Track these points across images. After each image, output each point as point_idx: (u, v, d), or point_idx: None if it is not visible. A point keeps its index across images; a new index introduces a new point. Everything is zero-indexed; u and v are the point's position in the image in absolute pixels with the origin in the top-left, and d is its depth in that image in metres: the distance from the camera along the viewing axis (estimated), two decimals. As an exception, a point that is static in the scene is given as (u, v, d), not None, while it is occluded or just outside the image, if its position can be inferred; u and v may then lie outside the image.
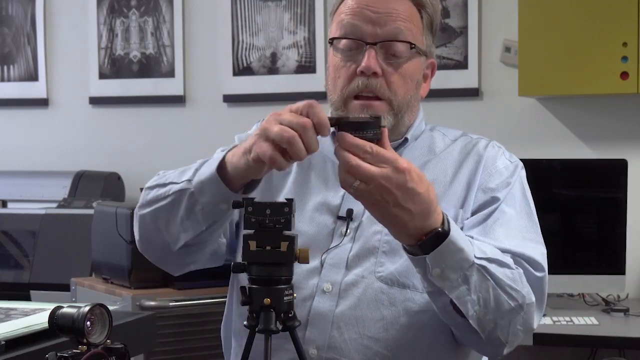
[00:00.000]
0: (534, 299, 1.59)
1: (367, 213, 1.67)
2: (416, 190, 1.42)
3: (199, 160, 1.64)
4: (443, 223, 1.47)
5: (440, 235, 1.46)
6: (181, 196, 1.59)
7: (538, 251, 1.64)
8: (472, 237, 1.61)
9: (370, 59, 1.63)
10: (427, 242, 1.46)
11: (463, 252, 1.49)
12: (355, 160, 1.38)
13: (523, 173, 1.75)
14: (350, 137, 1.38)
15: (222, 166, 1.53)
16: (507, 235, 1.63)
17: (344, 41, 1.67)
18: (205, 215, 1.57)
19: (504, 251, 1.59)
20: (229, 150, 1.55)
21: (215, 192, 1.53)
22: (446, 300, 1.53)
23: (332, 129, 1.43)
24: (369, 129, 1.39)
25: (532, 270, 1.61)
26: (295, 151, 1.39)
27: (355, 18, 1.66)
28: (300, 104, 1.43)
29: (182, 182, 1.60)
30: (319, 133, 1.41)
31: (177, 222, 1.61)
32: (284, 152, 1.41)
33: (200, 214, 1.57)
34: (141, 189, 3.60)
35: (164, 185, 1.64)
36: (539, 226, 1.70)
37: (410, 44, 1.66)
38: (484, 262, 1.52)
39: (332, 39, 1.69)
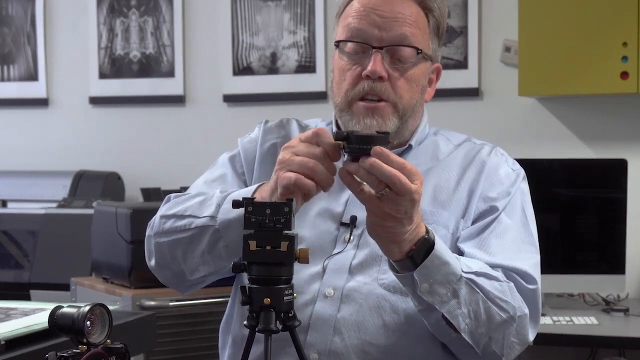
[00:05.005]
0: (526, 311, 1.59)
1: None
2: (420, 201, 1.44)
3: (217, 190, 1.63)
4: (427, 232, 1.48)
5: (426, 242, 1.47)
6: (204, 232, 1.57)
7: (531, 262, 1.64)
8: (465, 250, 1.63)
9: (376, 63, 1.62)
10: (417, 251, 1.46)
11: (449, 266, 1.49)
12: (398, 176, 1.37)
13: (525, 182, 1.75)
14: (388, 152, 1.38)
15: None
16: (501, 246, 1.63)
17: (350, 44, 1.67)
18: (230, 251, 1.55)
19: (495, 266, 1.60)
20: (256, 188, 1.53)
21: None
22: (438, 315, 1.53)
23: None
24: (377, 143, 1.39)
25: (524, 283, 1.61)
26: (322, 178, 1.42)
27: (362, 22, 1.65)
28: (309, 134, 1.44)
29: (204, 217, 1.58)
30: (332, 158, 1.43)
31: (196, 255, 1.60)
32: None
33: (224, 250, 1.56)
34: (141, 189, 3.62)
35: (182, 217, 1.62)
36: (535, 236, 1.70)
37: (417, 49, 1.65)
38: (471, 276, 1.53)
39: (339, 41, 1.68)
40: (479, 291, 1.53)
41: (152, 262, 1.69)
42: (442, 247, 1.49)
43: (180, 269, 1.63)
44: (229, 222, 1.54)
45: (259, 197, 1.49)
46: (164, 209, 1.68)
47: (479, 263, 1.57)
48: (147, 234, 1.69)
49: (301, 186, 1.41)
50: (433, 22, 1.69)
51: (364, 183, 1.41)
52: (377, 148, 1.38)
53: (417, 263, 1.47)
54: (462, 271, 1.51)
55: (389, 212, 1.40)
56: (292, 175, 1.41)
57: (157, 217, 1.68)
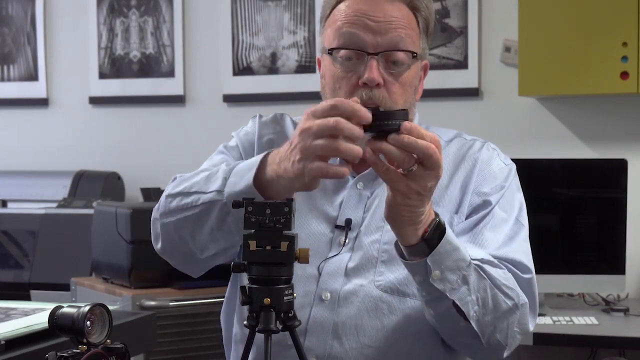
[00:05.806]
0: (526, 299, 1.60)
1: (365, 222, 1.67)
2: None
3: (223, 164, 1.59)
4: (437, 215, 1.48)
5: (438, 224, 1.47)
6: (211, 207, 1.53)
7: (524, 252, 1.65)
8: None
9: (373, 71, 1.60)
10: (431, 233, 1.45)
11: (459, 251, 1.49)
12: (433, 148, 1.35)
13: (516, 177, 1.75)
14: (418, 126, 1.36)
15: (257, 178, 1.47)
16: (494, 239, 1.63)
17: (343, 51, 1.63)
18: (239, 225, 1.48)
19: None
20: (262, 159, 1.48)
21: None
22: (448, 303, 1.52)
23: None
24: (401, 119, 1.36)
25: (519, 273, 1.61)
26: (351, 154, 1.35)
27: (355, 27, 1.62)
28: (326, 107, 1.37)
29: (211, 192, 1.54)
30: (361, 123, 1.36)
31: (205, 232, 1.56)
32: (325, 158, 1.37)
33: (233, 224, 1.51)
34: (141, 189, 3.61)
35: (189, 194, 1.58)
36: (527, 228, 1.70)
37: (412, 53, 1.64)
38: (478, 262, 1.53)
39: (332, 49, 1.64)
40: (486, 277, 1.53)
41: (158, 246, 1.65)
42: (451, 232, 1.49)
43: (189, 249, 1.60)
44: (237, 194, 1.48)
45: (274, 175, 1.44)
46: (169, 188, 1.64)
47: (480, 252, 1.58)
48: (152, 217, 1.66)
49: (334, 175, 1.37)
50: (422, 21, 1.68)
51: (385, 162, 1.38)
52: (407, 123, 1.35)
53: (432, 246, 1.46)
54: (470, 257, 1.51)
55: (416, 188, 1.39)
56: (321, 165, 1.36)
57: (162, 197, 1.64)
